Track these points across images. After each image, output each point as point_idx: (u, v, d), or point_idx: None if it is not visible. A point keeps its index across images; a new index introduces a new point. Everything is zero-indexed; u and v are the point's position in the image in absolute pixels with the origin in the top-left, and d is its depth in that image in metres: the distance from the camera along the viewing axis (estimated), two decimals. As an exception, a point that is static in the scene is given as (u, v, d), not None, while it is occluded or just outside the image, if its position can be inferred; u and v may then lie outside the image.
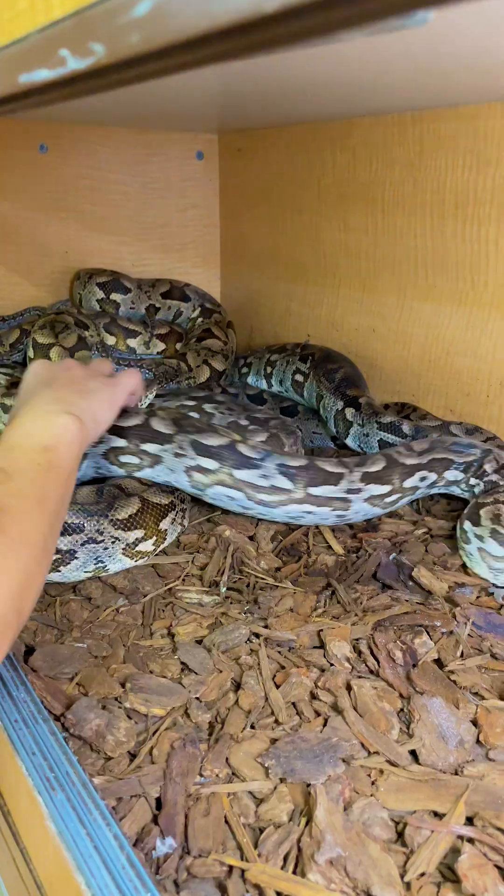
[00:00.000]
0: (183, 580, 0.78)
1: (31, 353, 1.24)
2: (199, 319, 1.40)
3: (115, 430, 0.82)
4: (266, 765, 0.54)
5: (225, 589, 0.76)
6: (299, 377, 1.22)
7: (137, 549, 0.79)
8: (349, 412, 1.06)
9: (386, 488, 0.84)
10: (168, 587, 0.77)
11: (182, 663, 0.66)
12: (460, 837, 0.48)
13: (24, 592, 0.51)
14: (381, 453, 0.87)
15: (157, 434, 0.82)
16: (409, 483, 0.86)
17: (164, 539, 0.82)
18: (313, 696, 0.62)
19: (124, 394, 0.75)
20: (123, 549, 0.78)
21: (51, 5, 0.31)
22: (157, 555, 0.82)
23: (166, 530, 0.82)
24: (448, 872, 0.47)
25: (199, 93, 1.04)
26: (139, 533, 0.78)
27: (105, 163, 1.41)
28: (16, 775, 0.51)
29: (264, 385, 1.31)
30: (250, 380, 1.33)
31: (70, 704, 0.58)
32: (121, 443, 0.83)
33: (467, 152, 1.01)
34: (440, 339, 1.12)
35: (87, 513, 0.76)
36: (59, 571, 0.75)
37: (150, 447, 0.82)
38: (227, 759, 0.55)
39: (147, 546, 0.80)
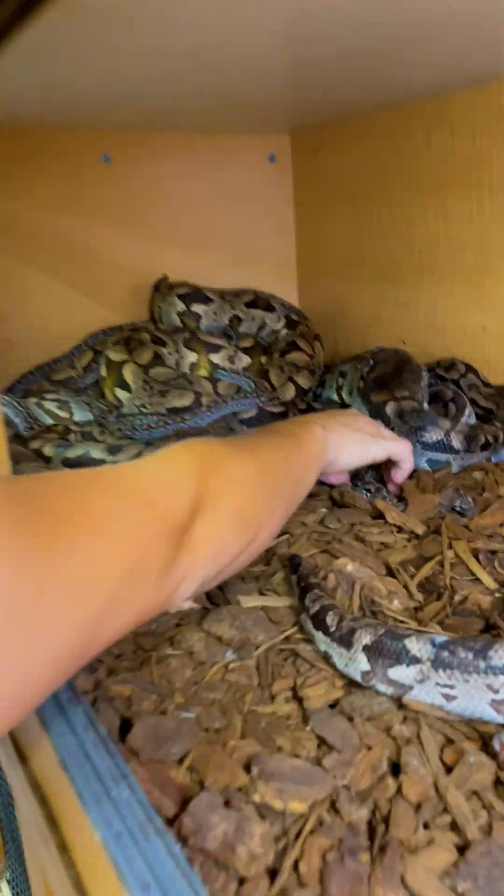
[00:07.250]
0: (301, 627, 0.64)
1: (103, 371, 1.13)
2: (284, 331, 1.28)
3: None
4: (460, 889, 0.39)
5: (357, 637, 0.61)
6: (361, 384, 1.08)
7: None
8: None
9: None
10: (285, 635, 0.63)
11: (318, 737, 0.51)
12: None
13: (249, 521, 0.58)
14: None
15: None
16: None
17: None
18: (500, 781, 0.46)
19: (382, 449, 0.83)
20: None
21: None
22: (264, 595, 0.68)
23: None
24: None
25: (268, 74, 0.94)
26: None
27: (171, 171, 1.31)
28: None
29: (335, 397, 1.18)
30: (325, 394, 1.21)
31: (185, 801, 0.45)
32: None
33: None
34: None
35: None
36: None
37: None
38: (402, 876, 0.40)
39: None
